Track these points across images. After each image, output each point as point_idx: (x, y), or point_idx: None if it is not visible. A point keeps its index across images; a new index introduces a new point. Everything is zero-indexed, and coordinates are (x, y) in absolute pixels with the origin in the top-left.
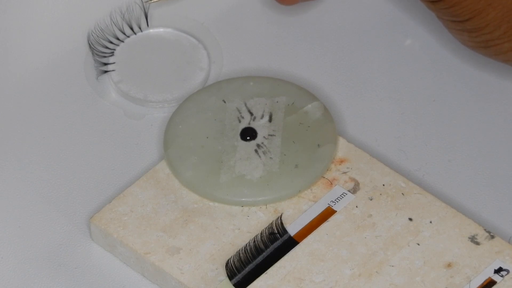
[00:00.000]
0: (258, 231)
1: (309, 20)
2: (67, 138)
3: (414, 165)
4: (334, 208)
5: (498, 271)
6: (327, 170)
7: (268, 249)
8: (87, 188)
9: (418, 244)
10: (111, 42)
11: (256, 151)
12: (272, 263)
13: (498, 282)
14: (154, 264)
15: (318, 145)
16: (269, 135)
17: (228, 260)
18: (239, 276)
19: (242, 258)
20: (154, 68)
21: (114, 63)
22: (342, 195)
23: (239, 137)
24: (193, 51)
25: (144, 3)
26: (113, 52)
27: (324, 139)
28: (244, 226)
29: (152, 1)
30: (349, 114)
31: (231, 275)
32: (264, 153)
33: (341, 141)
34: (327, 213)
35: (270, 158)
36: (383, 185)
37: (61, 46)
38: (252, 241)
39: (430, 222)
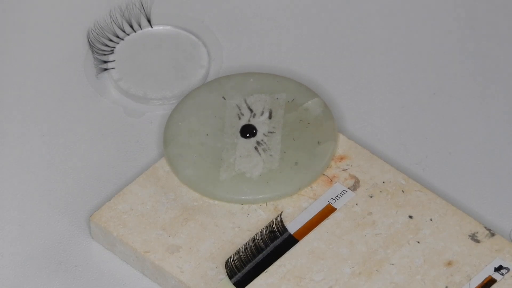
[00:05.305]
0: (258, 229)
1: (309, 16)
2: (67, 136)
3: (414, 160)
4: (334, 205)
5: (498, 269)
6: (327, 167)
7: (268, 248)
8: (87, 186)
9: (418, 242)
10: (111, 40)
11: (256, 148)
12: (272, 262)
13: (498, 280)
14: (154, 263)
15: (318, 142)
16: (269, 132)
17: (228, 259)
18: (239, 275)
19: (242, 257)
20: (154, 66)
21: (114, 61)
22: (342, 193)
23: (239, 134)
24: (193, 49)
25: None
26: (113, 50)
27: (324, 136)
28: (244, 224)
29: None
30: (349, 111)
31: (231, 274)
32: (264, 150)
33: (341, 138)
34: (327, 211)
35: (270, 155)
36: (383, 182)
37: (61, 45)
38: (252, 240)
39: (430, 219)
